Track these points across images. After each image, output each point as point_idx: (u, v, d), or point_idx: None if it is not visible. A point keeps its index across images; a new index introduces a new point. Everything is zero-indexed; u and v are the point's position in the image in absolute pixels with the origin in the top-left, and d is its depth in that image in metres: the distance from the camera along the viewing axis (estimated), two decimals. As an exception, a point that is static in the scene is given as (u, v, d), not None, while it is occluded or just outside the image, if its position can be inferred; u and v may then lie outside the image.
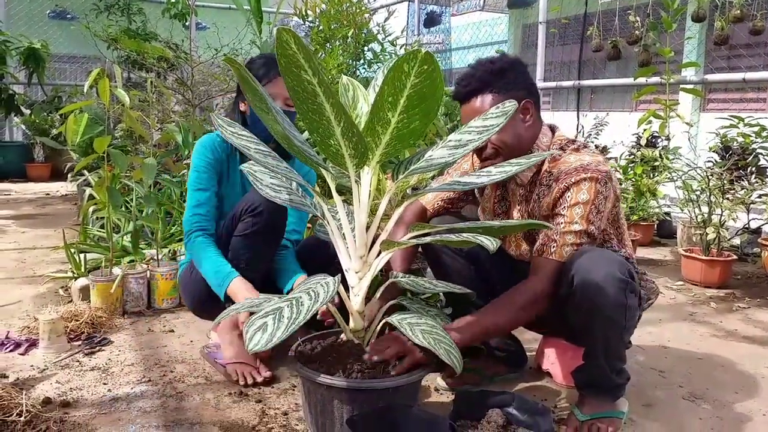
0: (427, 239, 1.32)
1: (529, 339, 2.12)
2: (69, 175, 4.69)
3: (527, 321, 1.64)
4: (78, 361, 2.00)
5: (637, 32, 4.70)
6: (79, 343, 2.14)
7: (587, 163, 1.59)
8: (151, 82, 3.11)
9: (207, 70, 4.80)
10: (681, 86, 4.39)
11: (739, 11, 4.18)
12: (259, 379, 1.80)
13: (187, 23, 6.56)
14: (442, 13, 7.99)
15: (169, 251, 2.87)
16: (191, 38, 5.74)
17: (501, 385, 1.87)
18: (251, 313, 1.28)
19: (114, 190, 2.40)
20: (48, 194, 6.05)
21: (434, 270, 1.90)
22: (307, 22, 3.72)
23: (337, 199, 1.46)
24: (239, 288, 1.80)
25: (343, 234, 1.47)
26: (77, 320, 2.23)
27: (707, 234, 3.16)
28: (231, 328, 1.91)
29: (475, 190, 1.88)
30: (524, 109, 1.64)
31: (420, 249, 1.93)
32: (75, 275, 2.66)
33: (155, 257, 2.66)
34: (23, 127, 7.27)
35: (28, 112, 7.04)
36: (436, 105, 1.28)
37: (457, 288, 1.60)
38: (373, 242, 1.48)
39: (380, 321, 1.52)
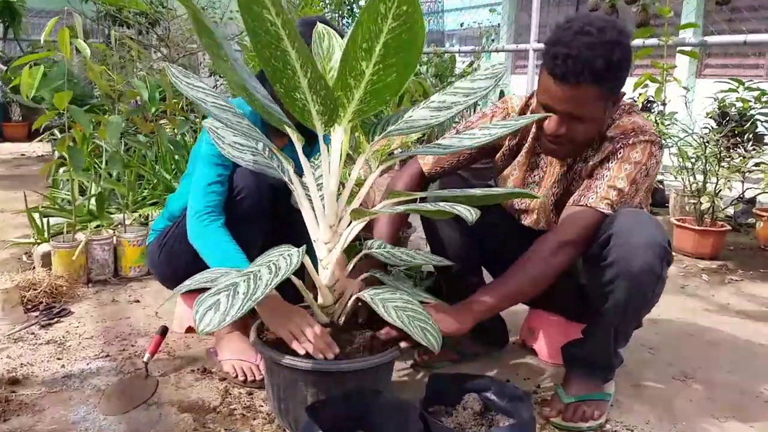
0: (401, 208, 1.19)
1: (512, 311, 2.02)
2: (45, 135, 4.49)
3: (555, 277, 1.44)
4: (33, 333, 1.87)
5: (635, -9, 4.51)
6: (37, 314, 2.01)
7: (642, 125, 1.47)
8: (115, 38, 2.90)
9: (187, 26, 4.57)
10: (678, 48, 4.22)
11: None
12: (259, 377, 1.58)
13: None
14: (435, -30, 7.70)
15: (140, 216, 2.73)
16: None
17: (482, 362, 1.77)
18: (205, 289, 1.15)
19: (75, 150, 2.24)
20: (23, 155, 5.84)
21: (430, 242, 1.73)
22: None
23: (304, 161, 1.31)
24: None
25: (311, 201, 1.34)
26: (35, 289, 2.10)
27: (701, 203, 3.05)
28: (228, 329, 1.71)
29: (499, 157, 1.69)
30: (616, 100, 1.46)
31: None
32: (37, 241, 2.52)
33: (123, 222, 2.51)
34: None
35: (3, 68, 6.76)
36: (417, 55, 1.12)
37: (436, 259, 1.47)
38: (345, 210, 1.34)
39: (350, 296, 1.40)
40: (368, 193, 2.34)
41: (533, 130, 1.61)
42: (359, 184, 1.56)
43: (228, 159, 1.56)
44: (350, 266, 1.45)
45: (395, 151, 2.41)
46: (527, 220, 1.68)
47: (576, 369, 1.54)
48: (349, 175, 1.38)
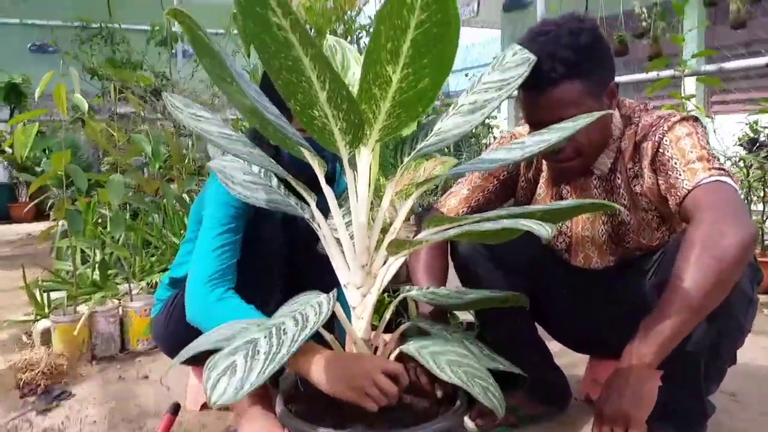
0: (452, 232, 0.98)
1: (566, 365, 1.77)
2: (51, 213, 4.38)
3: (736, 266, 1.06)
4: (29, 421, 1.64)
5: (644, 23, 4.44)
6: (34, 398, 1.78)
7: (668, 113, 1.30)
8: (114, 90, 2.79)
9: (193, 95, 4.53)
10: (696, 77, 4.09)
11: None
12: None
13: (173, 50, 6.31)
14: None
15: (148, 285, 2.53)
16: (168, 66, 5.40)
17: (543, 425, 1.52)
18: (216, 350, 0.93)
19: (74, 214, 2.07)
20: (30, 234, 5.71)
21: (465, 285, 1.50)
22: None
23: (327, 191, 1.12)
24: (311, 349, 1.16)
25: (338, 238, 1.14)
26: (33, 370, 1.87)
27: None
28: (249, 402, 1.48)
29: (519, 192, 1.52)
30: (611, 93, 1.28)
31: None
32: (37, 317, 2.31)
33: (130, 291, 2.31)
34: (5, 163, 7.00)
35: (10, 150, 6.76)
36: (452, 51, 0.95)
37: (496, 293, 1.25)
38: (378, 247, 1.14)
39: (392, 350, 1.17)
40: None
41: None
42: (384, 231, 1.33)
43: (237, 223, 1.39)
44: (387, 315, 1.23)
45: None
46: (576, 260, 1.47)
47: (660, 422, 1.27)
48: (375, 214, 1.18)
